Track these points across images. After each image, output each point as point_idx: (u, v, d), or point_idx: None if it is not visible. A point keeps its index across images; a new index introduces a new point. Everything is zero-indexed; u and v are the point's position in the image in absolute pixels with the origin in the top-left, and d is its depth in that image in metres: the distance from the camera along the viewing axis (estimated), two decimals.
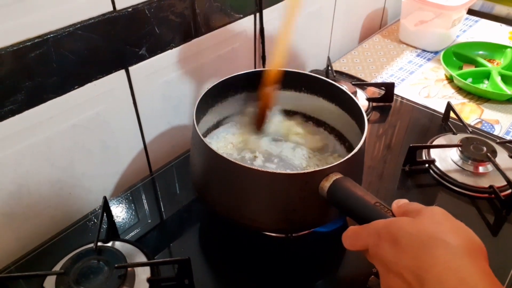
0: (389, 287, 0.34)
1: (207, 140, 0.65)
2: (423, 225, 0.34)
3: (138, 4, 0.56)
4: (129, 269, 0.49)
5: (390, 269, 0.34)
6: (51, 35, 0.49)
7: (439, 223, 0.34)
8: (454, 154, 0.69)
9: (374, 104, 0.84)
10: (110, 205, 0.58)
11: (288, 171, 0.51)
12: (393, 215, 0.40)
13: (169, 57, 0.64)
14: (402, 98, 0.87)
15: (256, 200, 0.50)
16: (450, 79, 0.95)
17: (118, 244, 0.53)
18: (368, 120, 0.80)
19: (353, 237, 0.39)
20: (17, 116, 0.50)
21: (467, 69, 0.98)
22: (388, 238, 0.35)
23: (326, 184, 0.45)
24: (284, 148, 0.64)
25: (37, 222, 0.58)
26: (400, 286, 0.33)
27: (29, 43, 0.47)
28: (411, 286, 0.32)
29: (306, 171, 0.46)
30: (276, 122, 0.69)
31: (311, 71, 0.83)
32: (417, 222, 0.35)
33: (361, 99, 0.83)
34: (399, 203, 0.40)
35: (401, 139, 0.77)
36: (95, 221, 0.59)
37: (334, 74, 0.91)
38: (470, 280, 0.30)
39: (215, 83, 0.60)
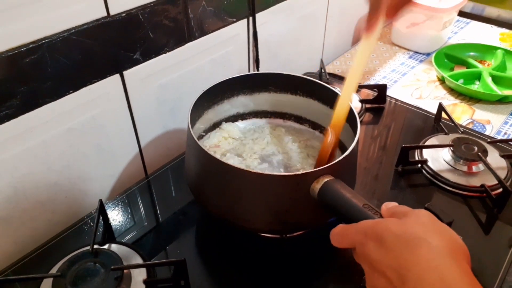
0: (374, 286, 0.35)
1: (201, 142, 0.65)
2: (408, 226, 0.35)
3: (131, 9, 0.57)
4: (125, 271, 0.49)
5: (375, 268, 0.35)
6: (46, 41, 0.49)
7: (423, 224, 0.35)
8: (446, 154, 0.70)
9: (368, 105, 0.85)
10: (106, 208, 0.58)
11: (280, 173, 0.51)
12: (382, 217, 0.40)
13: (163, 61, 0.65)
14: (395, 99, 0.88)
15: (250, 201, 0.51)
16: (442, 80, 0.97)
17: (114, 247, 0.53)
18: (361, 121, 0.82)
19: (341, 234, 0.40)
20: (12, 121, 0.50)
21: (459, 70, 0.99)
22: (374, 237, 0.35)
23: (317, 186, 0.46)
24: (279, 149, 0.65)
25: (33, 226, 0.59)
26: (384, 285, 0.34)
27: (24, 49, 0.48)
28: (393, 284, 0.33)
29: (297, 173, 0.47)
30: (271, 124, 0.70)
31: (305, 74, 0.84)
32: (402, 223, 0.35)
33: (354, 101, 0.84)
34: (388, 206, 0.41)
35: (394, 140, 0.78)
36: (91, 224, 0.60)
37: (328, 77, 0.92)
38: (450, 279, 0.31)
39: (209, 86, 0.61)
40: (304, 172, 0.46)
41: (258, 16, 0.78)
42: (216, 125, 0.68)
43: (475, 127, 0.83)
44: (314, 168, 0.58)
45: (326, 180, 0.46)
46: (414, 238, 0.33)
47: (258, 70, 0.85)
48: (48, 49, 0.50)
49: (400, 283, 0.32)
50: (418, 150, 0.72)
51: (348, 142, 0.52)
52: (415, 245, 0.33)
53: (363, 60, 0.52)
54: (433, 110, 0.82)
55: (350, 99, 0.55)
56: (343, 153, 0.50)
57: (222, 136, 0.67)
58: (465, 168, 0.67)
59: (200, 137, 0.65)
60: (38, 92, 0.51)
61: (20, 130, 0.51)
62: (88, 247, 0.51)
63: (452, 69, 1.02)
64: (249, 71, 0.85)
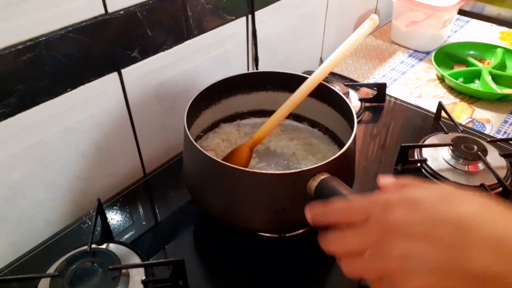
0: (405, 257, 0.28)
1: (199, 143, 0.65)
2: (437, 186, 0.31)
3: (130, 7, 0.56)
4: (123, 270, 0.49)
5: (411, 235, 0.28)
6: (43, 38, 0.49)
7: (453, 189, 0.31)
8: (445, 153, 0.69)
9: (367, 104, 0.85)
10: (104, 207, 0.58)
11: (276, 171, 0.51)
12: None
13: (161, 59, 0.64)
14: (395, 98, 0.88)
15: (247, 200, 0.50)
16: (441, 79, 0.96)
17: (112, 246, 0.53)
18: (360, 120, 0.81)
19: (344, 211, 0.33)
20: (9, 119, 0.50)
21: (458, 69, 0.99)
22: (401, 202, 0.30)
23: (313, 183, 0.46)
24: (278, 148, 0.65)
25: (31, 225, 0.58)
26: (428, 251, 0.28)
27: (21, 46, 0.47)
28: (448, 242, 0.27)
29: (293, 170, 0.47)
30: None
31: (304, 72, 0.83)
32: (427, 185, 0.31)
33: (354, 100, 0.84)
34: (389, 180, 0.34)
35: (394, 139, 0.78)
36: (89, 223, 0.59)
37: (327, 75, 0.91)
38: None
39: (208, 85, 0.60)
40: (300, 170, 0.46)
41: (257, 14, 0.78)
42: (214, 125, 0.68)
43: (474, 126, 0.82)
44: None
45: (322, 177, 0.46)
46: (455, 193, 0.30)
47: (257, 68, 0.85)
48: (45, 47, 0.49)
49: (460, 233, 0.27)
50: (418, 149, 0.72)
51: (347, 139, 0.51)
52: (461, 198, 0.29)
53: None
54: (433, 109, 0.82)
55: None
56: (341, 149, 0.50)
57: (220, 137, 0.66)
58: (464, 167, 0.67)
59: (198, 137, 0.65)
60: (35, 91, 0.51)
61: (17, 129, 0.51)
62: (86, 247, 0.50)
63: (452, 68, 1.01)
64: (248, 69, 0.85)
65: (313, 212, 0.35)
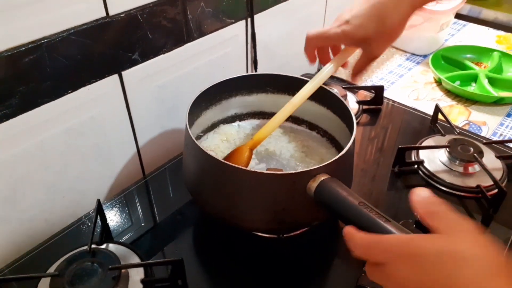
0: None
1: (199, 143, 0.65)
2: (450, 243, 0.32)
3: (130, 10, 0.57)
4: (122, 270, 0.49)
5: None
6: (45, 41, 0.49)
7: (466, 240, 0.32)
8: (442, 155, 0.70)
9: (365, 107, 0.86)
10: (104, 208, 0.58)
11: (277, 172, 0.52)
12: (379, 215, 0.40)
13: (161, 61, 0.65)
14: (392, 101, 0.89)
15: (247, 200, 0.51)
16: (438, 82, 0.97)
17: (112, 246, 0.54)
18: (358, 122, 0.82)
19: (368, 248, 0.35)
20: (11, 120, 0.50)
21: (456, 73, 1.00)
22: (408, 257, 0.32)
23: (313, 184, 0.46)
24: (277, 149, 0.65)
25: (31, 226, 0.59)
26: None
27: (23, 48, 0.48)
28: None
29: (294, 171, 0.47)
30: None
31: (303, 75, 0.84)
32: (443, 239, 0.32)
33: (352, 102, 0.85)
34: (422, 195, 0.35)
35: (391, 141, 0.79)
36: (89, 224, 0.60)
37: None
38: None
39: (208, 87, 0.61)
40: (300, 171, 0.47)
41: (257, 17, 0.79)
42: (214, 126, 0.68)
43: (471, 129, 0.83)
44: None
45: (322, 178, 0.46)
46: (457, 257, 0.31)
47: (256, 71, 0.86)
48: (47, 49, 0.50)
49: None
50: (415, 151, 0.72)
51: (345, 142, 0.52)
52: (458, 265, 0.31)
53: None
54: (430, 111, 0.83)
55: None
56: (339, 152, 0.50)
57: (219, 138, 0.67)
58: (461, 169, 0.68)
59: (198, 137, 0.66)
60: (37, 92, 0.51)
61: (19, 130, 0.52)
62: (85, 247, 0.51)
63: (449, 71, 1.02)
64: (247, 72, 0.85)
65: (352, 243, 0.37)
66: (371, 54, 0.55)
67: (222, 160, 0.48)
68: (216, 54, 0.75)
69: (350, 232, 0.36)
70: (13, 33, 0.47)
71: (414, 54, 1.10)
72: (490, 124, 0.84)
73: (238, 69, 0.83)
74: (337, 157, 0.49)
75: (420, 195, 0.35)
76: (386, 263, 0.33)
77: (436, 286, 0.31)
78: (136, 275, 0.50)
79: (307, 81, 0.65)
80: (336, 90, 0.78)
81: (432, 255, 0.31)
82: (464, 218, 0.33)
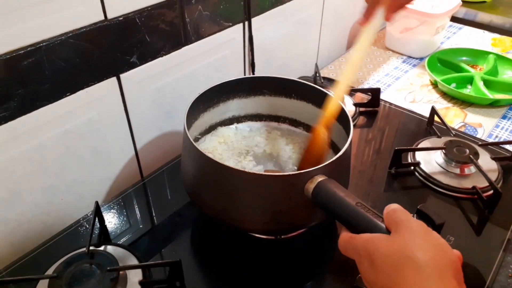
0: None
1: (197, 145, 0.66)
2: (396, 244, 0.36)
3: (129, 13, 0.57)
4: (121, 272, 0.49)
5: (372, 286, 0.37)
6: (44, 44, 0.50)
7: (412, 240, 0.35)
8: (438, 157, 0.71)
9: (362, 109, 0.86)
10: (102, 210, 0.58)
11: (274, 173, 0.52)
12: (376, 215, 0.41)
13: (159, 64, 0.66)
14: (389, 103, 0.90)
15: (245, 201, 0.51)
16: (434, 85, 0.98)
17: (110, 248, 0.54)
18: (355, 125, 0.83)
19: (343, 246, 0.41)
20: (10, 123, 0.50)
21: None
22: (367, 257, 0.37)
23: (311, 185, 0.47)
24: (274, 151, 0.66)
25: (29, 228, 0.59)
26: None
27: (22, 52, 0.48)
28: None
29: (291, 173, 0.48)
30: (267, 127, 0.71)
31: (300, 78, 0.85)
32: (391, 240, 0.36)
33: (348, 105, 0.85)
34: (389, 209, 0.40)
35: (388, 143, 0.79)
36: (87, 226, 0.60)
37: (322, 81, 0.93)
38: None
39: (205, 89, 0.61)
40: (298, 172, 0.47)
41: (254, 20, 0.79)
42: (212, 128, 0.69)
43: (467, 130, 0.84)
44: (297, 166, 0.60)
45: (320, 180, 0.47)
46: (401, 257, 0.34)
47: (253, 73, 0.86)
48: (46, 52, 0.50)
49: None
50: (411, 152, 0.73)
51: (341, 143, 0.53)
52: (402, 264, 0.34)
53: (359, 56, 0.54)
54: (426, 113, 0.83)
55: (343, 97, 0.56)
56: (336, 154, 0.51)
57: (217, 140, 0.67)
58: (457, 171, 0.68)
59: (196, 140, 0.66)
60: (35, 95, 0.52)
61: (17, 132, 0.52)
62: (84, 249, 0.51)
63: (445, 74, 1.03)
64: (244, 75, 0.86)
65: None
66: None
67: (220, 162, 0.49)
68: (214, 57, 0.75)
69: (341, 232, 0.42)
70: (12, 36, 0.47)
71: (410, 57, 1.11)
72: (485, 126, 0.85)
73: (236, 71, 0.83)
74: (334, 158, 0.49)
75: (389, 207, 0.40)
76: (357, 261, 0.38)
77: (387, 283, 0.34)
78: (134, 277, 0.50)
79: (303, 83, 0.65)
80: (333, 92, 0.79)
81: (382, 255, 0.35)
82: (415, 220, 0.38)
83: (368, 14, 0.53)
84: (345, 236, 0.41)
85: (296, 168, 0.63)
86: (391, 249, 0.35)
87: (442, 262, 0.34)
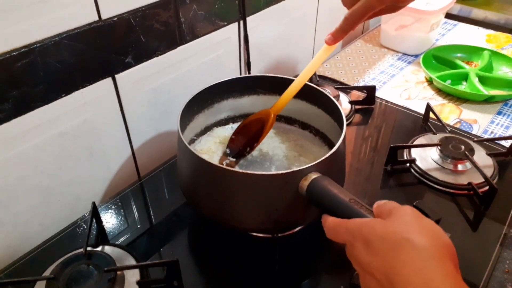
0: (366, 286, 0.36)
1: (192, 147, 0.66)
2: (392, 227, 0.35)
3: (123, 14, 0.57)
4: (118, 272, 0.49)
5: (365, 270, 0.36)
6: (38, 45, 0.50)
7: (407, 223, 0.35)
8: (434, 153, 0.71)
9: (357, 107, 0.87)
10: (99, 210, 0.58)
11: (268, 172, 0.52)
12: (369, 211, 0.41)
13: (155, 64, 0.65)
14: (385, 100, 0.90)
15: (240, 201, 0.51)
16: (430, 81, 0.98)
17: (107, 249, 0.54)
18: (351, 122, 0.83)
19: (333, 230, 0.40)
20: (4, 125, 0.50)
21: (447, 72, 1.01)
22: (361, 239, 0.36)
23: (305, 183, 0.47)
24: (270, 150, 0.66)
25: (26, 229, 0.59)
26: (375, 286, 0.35)
27: (16, 53, 0.48)
28: (384, 286, 0.34)
29: (285, 171, 0.48)
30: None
31: (296, 76, 0.85)
32: (387, 224, 0.36)
33: (344, 102, 0.86)
34: (379, 204, 0.41)
35: (384, 140, 0.80)
36: (85, 227, 0.60)
37: (318, 79, 0.93)
38: (435, 281, 0.32)
39: (200, 90, 0.62)
40: (292, 170, 0.47)
41: (249, 19, 0.79)
42: (207, 129, 0.69)
43: (462, 127, 0.84)
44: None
45: (314, 177, 0.47)
46: (398, 239, 0.34)
47: (249, 72, 0.86)
48: (40, 53, 0.50)
49: (390, 285, 0.33)
50: (407, 149, 0.73)
51: (336, 140, 0.53)
52: (399, 247, 0.34)
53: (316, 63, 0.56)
54: (422, 110, 0.84)
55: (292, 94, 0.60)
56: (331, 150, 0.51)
57: (213, 141, 0.67)
58: (452, 167, 0.69)
59: (192, 141, 0.66)
60: (30, 96, 0.51)
61: (12, 134, 0.52)
62: (81, 250, 0.51)
63: (440, 70, 1.03)
64: (240, 74, 0.86)
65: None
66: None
67: (214, 163, 0.49)
68: (209, 56, 0.75)
69: (324, 217, 0.42)
70: (5, 38, 0.47)
71: (405, 54, 1.11)
72: (481, 122, 0.85)
73: (231, 71, 0.83)
74: (327, 155, 0.49)
75: (378, 203, 0.41)
76: (349, 244, 0.38)
77: (383, 265, 0.34)
78: (132, 277, 0.50)
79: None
80: (328, 90, 0.79)
81: (379, 237, 0.35)
82: (408, 206, 0.37)
83: (338, 36, 0.55)
84: (335, 220, 0.41)
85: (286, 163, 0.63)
86: (388, 232, 0.35)
87: (440, 244, 0.34)
